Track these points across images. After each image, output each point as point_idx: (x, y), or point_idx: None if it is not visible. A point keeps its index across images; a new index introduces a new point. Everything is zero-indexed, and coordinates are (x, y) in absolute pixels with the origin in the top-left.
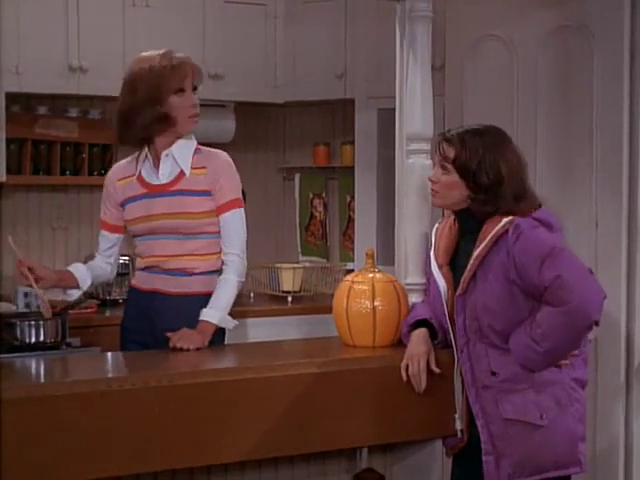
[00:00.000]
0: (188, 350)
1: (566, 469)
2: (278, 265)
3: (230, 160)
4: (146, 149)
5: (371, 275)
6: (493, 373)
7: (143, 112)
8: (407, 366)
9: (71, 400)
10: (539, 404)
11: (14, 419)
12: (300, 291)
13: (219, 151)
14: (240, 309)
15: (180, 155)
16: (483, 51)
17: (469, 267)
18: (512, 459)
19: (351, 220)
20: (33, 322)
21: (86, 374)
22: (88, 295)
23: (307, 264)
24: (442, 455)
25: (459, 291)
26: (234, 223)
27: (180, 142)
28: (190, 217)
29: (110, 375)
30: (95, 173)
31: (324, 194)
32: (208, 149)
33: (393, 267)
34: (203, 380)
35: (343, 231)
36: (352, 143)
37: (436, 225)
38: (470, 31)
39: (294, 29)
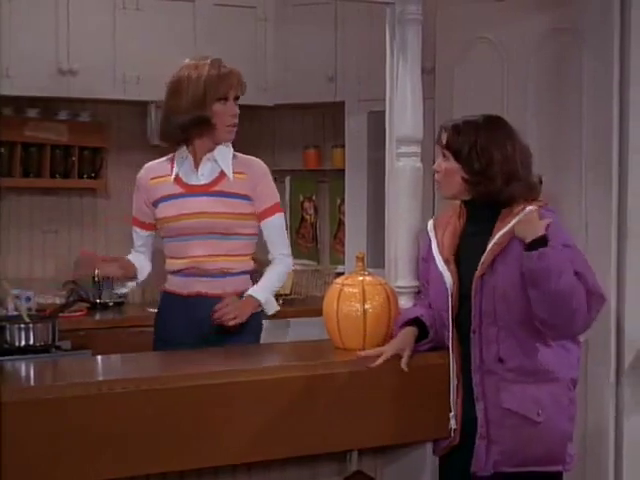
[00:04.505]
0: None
1: (550, 466)
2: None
3: (266, 167)
4: (185, 150)
5: (361, 278)
6: (500, 360)
7: (186, 114)
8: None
9: (62, 403)
10: (538, 400)
11: (4, 422)
12: (291, 294)
13: (254, 158)
14: None
15: (222, 159)
16: (473, 54)
17: (489, 250)
18: (502, 447)
19: (341, 223)
20: (23, 325)
21: (77, 377)
22: (78, 298)
23: (298, 267)
24: (432, 457)
25: (479, 272)
26: (279, 226)
27: (220, 147)
28: (227, 217)
29: (101, 378)
30: (85, 176)
31: (314, 197)
32: (243, 155)
33: (383, 270)
34: (194, 383)
35: (334, 234)
36: (342, 146)
37: (431, 222)
38: (460, 34)
39: (284, 32)
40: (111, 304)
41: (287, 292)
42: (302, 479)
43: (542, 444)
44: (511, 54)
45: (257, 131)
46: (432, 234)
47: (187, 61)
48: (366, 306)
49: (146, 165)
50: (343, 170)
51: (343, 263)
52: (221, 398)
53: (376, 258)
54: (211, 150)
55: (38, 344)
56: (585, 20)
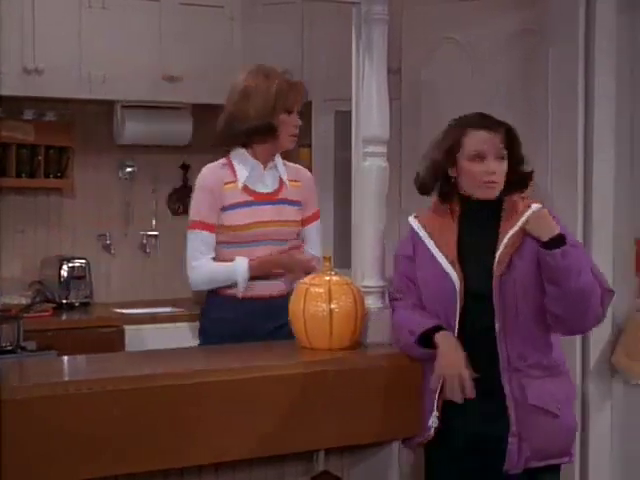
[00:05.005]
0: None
1: (564, 457)
2: None
3: (311, 174)
4: (249, 157)
5: (327, 278)
6: (522, 356)
7: (252, 121)
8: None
9: (28, 404)
10: (554, 394)
11: None
12: None
13: (300, 166)
14: (196, 312)
15: (280, 167)
16: (440, 54)
17: (505, 249)
18: (532, 443)
19: None
20: None
21: (43, 378)
22: (44, 299)
23: None
24: (399, 457)
25: (498, 271)
26: (320, 231)
27: (278, 156)
28: (287, 225)
29: (67, 379)
30: (51, 176)
31: None
32: (290, 163)
33: (351, 270)
34: (160, 384)
35: None
36: (310, 145)
37: (415, 220)
38: (427, 34)
39: (252, 31)
40: (77, 304)
41: None
42: (269, 479)
43: (560, 436)
44: (478, 54)
45: None
46: (423, 232)
47: (252, 68)
48: (332, 306)
49: (210, 169)
50: (310, 170)
51: None
52: (188, 398)
53: (344, 258)
54: (272, 158)
55: (3, 344)
56: (551, 21)
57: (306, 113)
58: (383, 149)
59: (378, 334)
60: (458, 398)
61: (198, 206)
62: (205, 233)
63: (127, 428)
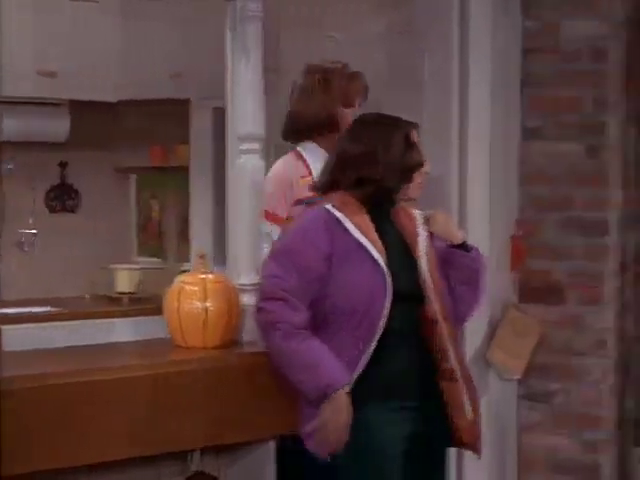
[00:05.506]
0: None
1: None
2: (113, 266)
3: None
4: (322, 151)
5: (202, 276)
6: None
7: (316, 116)
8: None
9: None
10: None
11: None
12: (136, 292)
13: None
14: (74, 311)
15: None
16: (318, 52)
17: (430, 250)
18: None
19: (187, 220)
20: None
21: None
22: None
23: (143, 265)
24: (275, 456)
25: (431, 271)
26: None
27: None
28: None
29: None
30: None
31: (160, 194)
32: None
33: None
34: (30, 385)
35: (179, 231)
36: (188, 143)
37: (337, 212)
38: (305, 32)
39: (130, 27)
40: None
41: (132, 290)
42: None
43: None
44: (354, 53)
45: (102, 128)
46: (349, 224)
47: (314, 63)
48: (207, 304)
49: (286, 162)
50: (188, 167)
51: (189, 261)
52: (59, 398)
53: (222, 256)
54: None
55: None
56: (425, 20)
57: (184, 110)
58: (258, 146)
59: (253, 332)
60: (323, 452)
61: (272, 198)
62: (276, 226)
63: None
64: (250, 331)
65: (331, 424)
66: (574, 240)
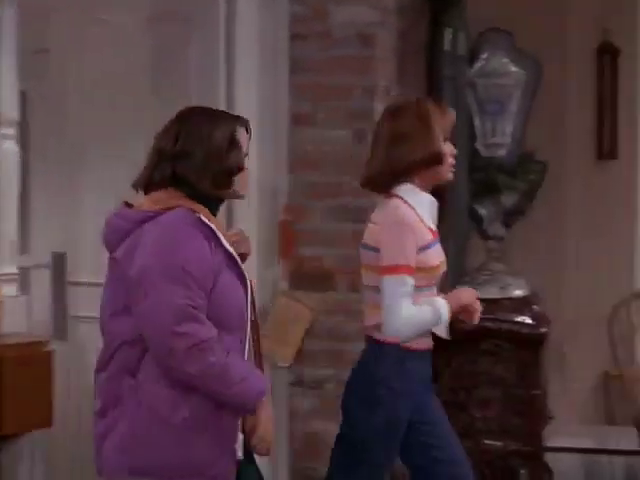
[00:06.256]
0: None
1: None
2: None
3: None
4: (424, 193)
5: None
6: None
7: (419, 153)
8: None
9: None
10: None
11: None
12: None
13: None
14: None
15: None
16: (90, 35)
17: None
18: None
19: None
20: None
21: None
22: None
23: None
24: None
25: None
26: None
27: None
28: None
29: None
30: None
31: None
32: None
33: None
34: None
35: None
36: None
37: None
38: (76, 14)
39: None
40: None
41: None
42: None
43: None
44: (123, 36)
45: None
46: (216, 230)
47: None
48: None
49: (403, 203)
50: None
51: None
52: None
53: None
54: (427, 189)
55: None
56: (192, 6)
57: None
58: (13, 131)
59: (15, 324)
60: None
61: (404, 247)
62: (407, 277)
63: None
64: (11, 323)
65: (270, 422)
66: (343, 227)
